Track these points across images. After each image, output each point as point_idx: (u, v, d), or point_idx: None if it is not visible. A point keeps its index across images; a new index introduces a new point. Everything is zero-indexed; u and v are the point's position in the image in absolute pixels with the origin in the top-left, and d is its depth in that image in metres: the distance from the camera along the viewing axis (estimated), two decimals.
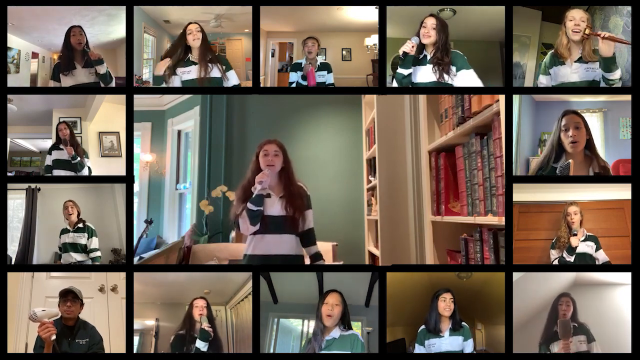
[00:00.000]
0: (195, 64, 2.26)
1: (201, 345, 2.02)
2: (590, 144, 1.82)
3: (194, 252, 3.95)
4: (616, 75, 1.86)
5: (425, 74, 2.02)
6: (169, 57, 2.31)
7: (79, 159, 2.59)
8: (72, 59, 2.28)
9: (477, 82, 1.99)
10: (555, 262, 1.94)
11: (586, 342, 1.85)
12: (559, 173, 1.81)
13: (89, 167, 2.69)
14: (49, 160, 2.61)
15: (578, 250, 1.91)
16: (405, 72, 2.02)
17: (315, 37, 2.64)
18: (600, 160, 1.82)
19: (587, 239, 1.93)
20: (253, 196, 2.23)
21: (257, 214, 2.24)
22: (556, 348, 1.86)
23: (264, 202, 2.27)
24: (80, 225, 2.57)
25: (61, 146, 2.60)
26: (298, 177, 2.42)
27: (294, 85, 2.61)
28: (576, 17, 1.88)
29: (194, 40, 2.26)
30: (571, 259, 1.91)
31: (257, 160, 2.36)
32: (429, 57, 2.02)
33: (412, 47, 2.01)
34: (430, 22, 2.01)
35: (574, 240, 1.90)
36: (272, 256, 2.26)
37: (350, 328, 1.97)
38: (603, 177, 1.82)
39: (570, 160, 1.79)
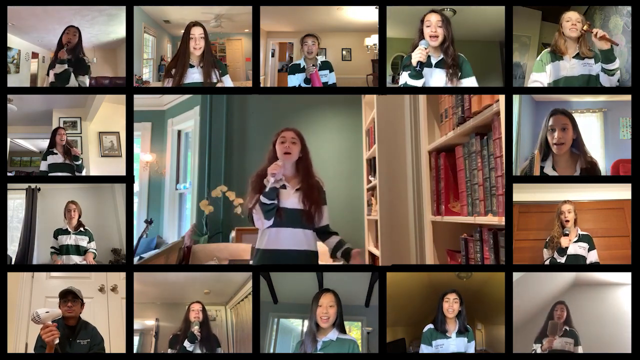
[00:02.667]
0: (192, 66, 2.23)
1: (187, 345, 2.13)
2: (577, 143, 1.84)
3: (194, 252, 3.95)
4: (615, 64, 1.88)
5: (434, 79, 1.96)
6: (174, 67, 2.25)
7: (81, 161, 2.59)
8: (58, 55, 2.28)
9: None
10: (547, 263, 1.95)
11: (573, 345, 1.91)
12: (526, 171, 1.86)
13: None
14: (44, 166, 2.59)
15: (569, 252, 1.91)
16: (418, 83, 1.92)
17: (314, 35, 2.46)
18: (587, 156, 1.84)
19: (580, 239, 1.92)
20: (266, 189, 2.13)
21: (270, 207, 2.14)
22: (543, 342, 1.93)
23: (278, 194, 2.17)
24: (82, 229, 2.57)
25: (55, 151, 2.59)
26: (316, 170, 2.32)
27: None
28: (572, 18, 1.93)
29: (195, 49, 2.20)
30: (562, 259, 1.91)
31: (273, 148, 2.27)
32: (435, 61, 1.96)
33: (427, 52, 1.90)
34: (435, 18, 1.93)
35: (564, 241, 1.91)
36: (287, 251, 2.18)
37: (345, 331, 1.93)
38: (603, 177, 1.84)
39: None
